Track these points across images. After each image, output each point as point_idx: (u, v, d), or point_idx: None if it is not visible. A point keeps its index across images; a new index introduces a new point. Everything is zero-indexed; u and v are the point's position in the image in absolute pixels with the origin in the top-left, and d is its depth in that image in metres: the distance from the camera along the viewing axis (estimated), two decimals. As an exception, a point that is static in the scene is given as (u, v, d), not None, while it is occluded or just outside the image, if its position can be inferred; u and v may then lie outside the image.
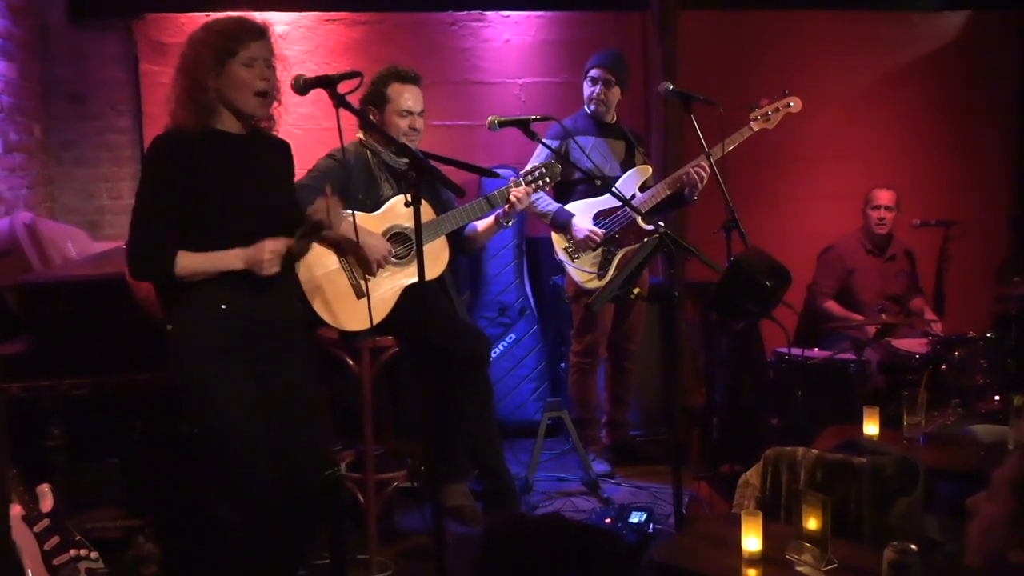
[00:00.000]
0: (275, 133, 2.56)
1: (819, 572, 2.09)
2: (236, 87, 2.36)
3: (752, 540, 2.17)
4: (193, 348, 2.41)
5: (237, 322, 2.42)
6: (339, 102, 2.31)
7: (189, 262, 2.33)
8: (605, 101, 4.00)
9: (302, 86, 2.39)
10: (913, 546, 1.91)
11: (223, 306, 2.40)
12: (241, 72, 2.35)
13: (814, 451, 2.53)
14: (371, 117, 3.26)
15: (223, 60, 2.33)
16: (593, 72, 4.00)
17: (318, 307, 3.04)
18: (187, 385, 2.44)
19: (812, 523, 2.16)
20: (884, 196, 4.55)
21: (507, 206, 3.29)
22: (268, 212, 2.45)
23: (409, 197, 2.38)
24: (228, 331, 2.41)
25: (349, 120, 2.55)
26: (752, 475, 2.66)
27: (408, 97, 3.27)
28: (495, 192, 3.32)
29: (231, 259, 2.36)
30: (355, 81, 2.34)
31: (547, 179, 3.40)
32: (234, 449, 2.42)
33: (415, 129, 3.29)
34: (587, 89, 4.03)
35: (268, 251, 2.37)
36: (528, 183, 3.36)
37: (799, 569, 2.12)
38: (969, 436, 3.08)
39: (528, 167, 3.46)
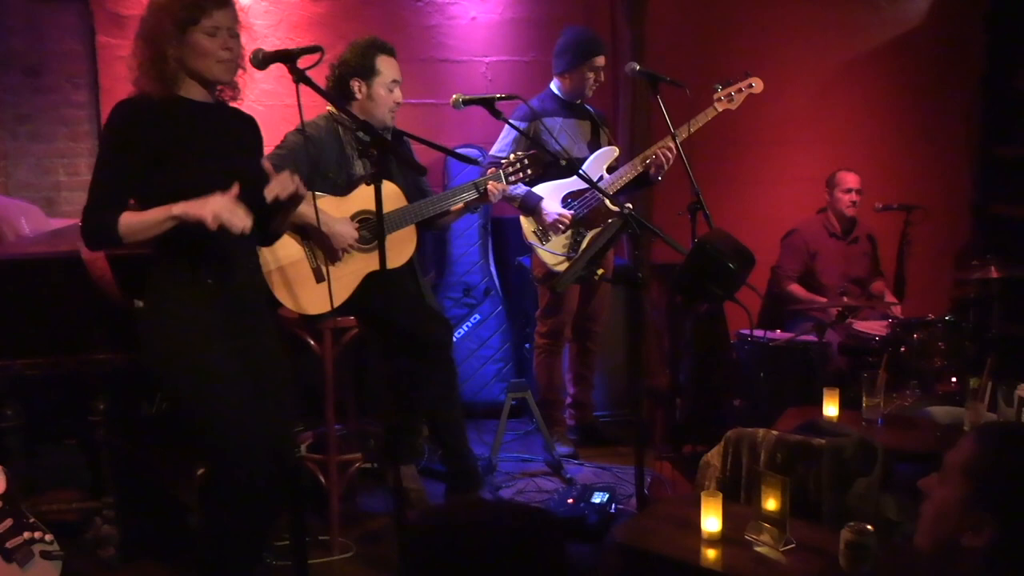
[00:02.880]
0: (238, 105, 2.50)
1: (777, 552, 2.11)
2: (199, 56, 2.30)
3: (711, 520, 2.19)
4: (179, 324, 2.35)
5: (221, 297, 2.37)
6: (299, 77, 2.26)
7: (130, 219, 2.24)
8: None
9: (261, 60, 2.34)
10: (870, 526, 1.94)
11: (209, 280, 2.35)
12: (203, 41, 2.29)
13: (774, 432, 2.55)
14: (356, 89, 3.23)
15: (184, 28, 2.27)
16: (598, 61, 3.92)
17: (278, 291, 3.01)
18: (171, 362, 2.38)
19: (771, 503, 2.18)
20: (852, 179, 4.58)
21: (481, 195, 3.28)
22: (231, 182, 2.34)
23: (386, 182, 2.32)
24: (213, 306, 2.36)
25: (309, 96, 2.50)
26: (713, 456, 2.68)
27: (395, 71, 3.26)
28: (478, 180, 3.30)
29: (171, 209, 2.22)
30: (315, 56, 2.29)
31: (529, 171, 3.36)
32: (222, 425, 2.37)
33: (399, 104, 3.28)
34: (586, 77, 3.92)
35: (215, 202, 2.22)
36: (508, 173, 3.33)
37: (758, 549, 2.14)
38: (926, 418, 3.13)
39: (511, 156, 3.39)
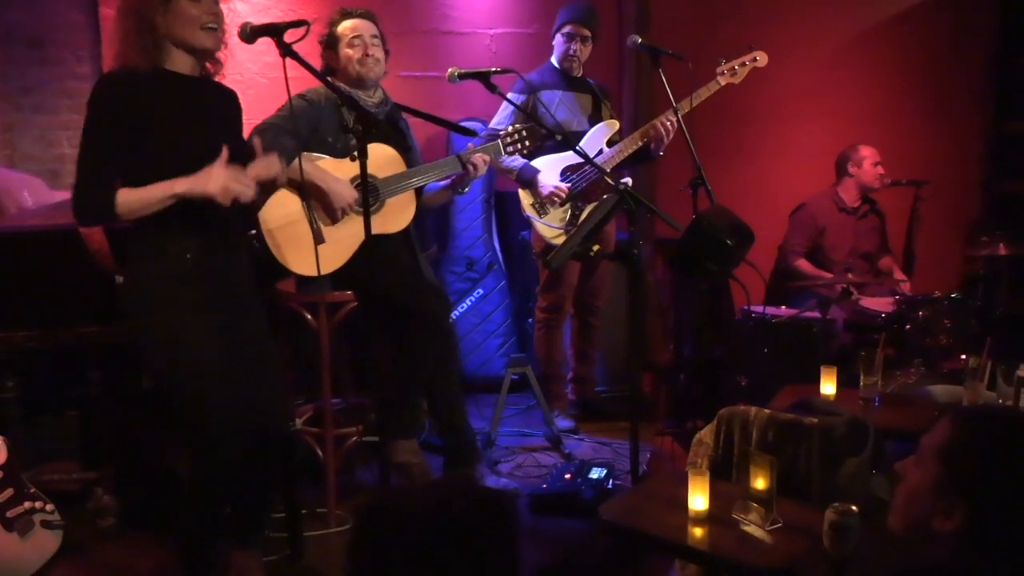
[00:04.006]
0: (221, 79, 2.49)
1: (764, 531, 2.10)
2: (184, 22, 2.29)
3: (699, 499, 2.18)
4: (157, 300, 2.36)
5: (201, 273, 2.37)
6: (285, 51, 2.25)
7: (128, 197, 2.24)
8: (579, 57, 3.93)
9: (249, 34, 2.32)
10: (854, 507, 1.92)
11: (188, 255, 2.35)
12: (189, 7, 2.29)
13: (766, 411, 2.53)
14: (330, 60, 3.28)
15: None
16: (568, 28, 3.91)
17: (273, 248, 2.99)
18: (151, 337, 2.39)
19: (759, 483, 2.17)
20: (874, 151, 4.52)
21: (464, 169, 3.24)
22: (214, 154, 2.33)
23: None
24: (193, 283, 2.36)
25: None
26: (706, 434, 2.67)
27: (355, 27, 3.25)
28: (463, 153, 3.26)
29: (174, 186, 2.24)
30: (301, 30, 2.27)
31: (527, 142, 3.32)
32: (201, 401, 2.39)
33: (369, 55, 3.24)
34: (561, 45, 3.95)
35: (218, 174, 2.24)
36: (507, 144, 3.30)
37: (744, 528, 2.13)
38: (926, 396, 3.10)
39: (508, 128, 3.35)
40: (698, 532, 2.14)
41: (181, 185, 2.24)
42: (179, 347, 2.35)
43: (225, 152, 2.27)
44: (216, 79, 2.48)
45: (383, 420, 3.20)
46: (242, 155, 2.43)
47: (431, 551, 1.09)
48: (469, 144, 3.32)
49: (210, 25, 2.31)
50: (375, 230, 3.05)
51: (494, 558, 1.12)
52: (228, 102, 2.54)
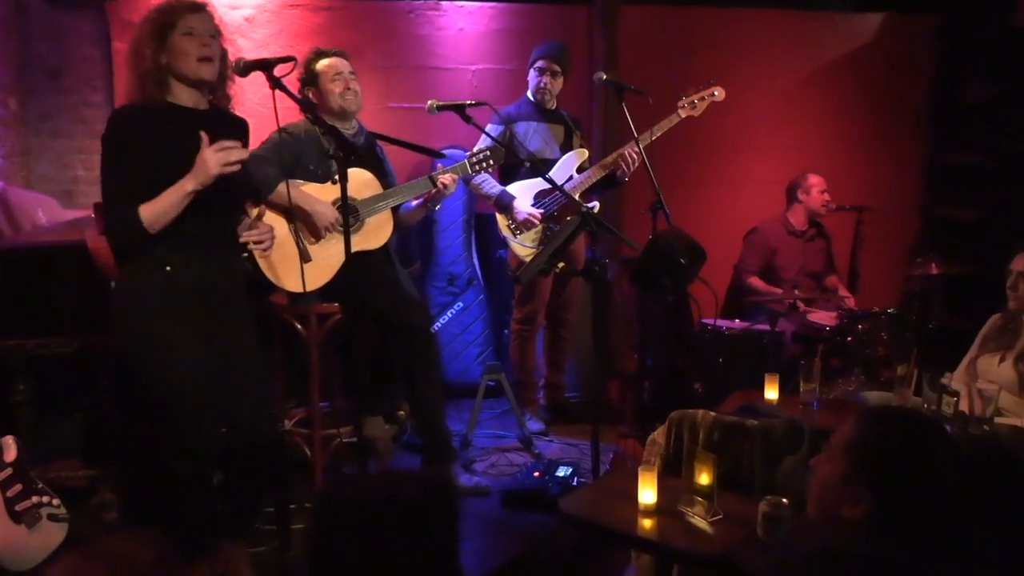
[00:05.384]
0: (240, 106, 2.55)
1: (706, 522, 2.14)
2: (179, 56, 2.35)
3: (648, 493, 2.22)
4: (138, 308, 2.40)
5: (182, 285, 2.40)
6: (275, 84, 2.30)
7: (149, 208, 2.28)
8: (550, 90, 4.00)
9: (242, 68, 2.37)
10: (785, 500, 1.97)
11: (167, 268, 2.38)
12: (182, 42, 2.34)
13: (712, 413, 2.58)
14: (312, 97, 3.31)
15: (164, 34, 2.33)
16: (540, 63, 3.98)
17: (265, 267, 3.04)
18: (132, 343, 2.44)
19: (703, 478, 2.20)
20: (821, 180, 4.59)
21: (434, 189, 3.30)
22: (221, 181, 2.37)
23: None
24: (174, 293, 2.39)
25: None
26: (659, 434, 2.71)
27: (334, 65, 3.30)
28: (434, 174, 3.32)
29: (184, 185, 2.28)
30: (289, 65, 2.33)
31: (491, 161, 3.42)
32: (172, 402, 2.42)
33: (350, 89, 3.29)
34: (533, 79, 4.02)
35: (209, 156, 2.26)
36: (473, 164, 3.38)
37: (689, 519, 2.17)
38: (860, 402, 3.15)
39: (474, 149, 3.46)
40: (647, 523, 2.18)
41: (189, 182, 2.28)
42: (152, 352, 2.39)
43: (205, 137, 2.28)
44: (225, 109, 2.52)
45: (358, 402, 3.24)
46: (244, 183, 2.49)
47: (379, 532, 1.13)
48: (439, 165, 3.40)
49: (205, 56, 2.35)
50: (358, 247, 3.14)
51: (437, 538, 1.16)
52: (236, 131, 2.55)
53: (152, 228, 2.29)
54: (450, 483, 1.24)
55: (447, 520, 1.19)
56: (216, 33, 2.39)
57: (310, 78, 3.32)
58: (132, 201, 2.28)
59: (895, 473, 1.37)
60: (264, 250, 2.56)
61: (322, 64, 3.30)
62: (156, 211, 2.28)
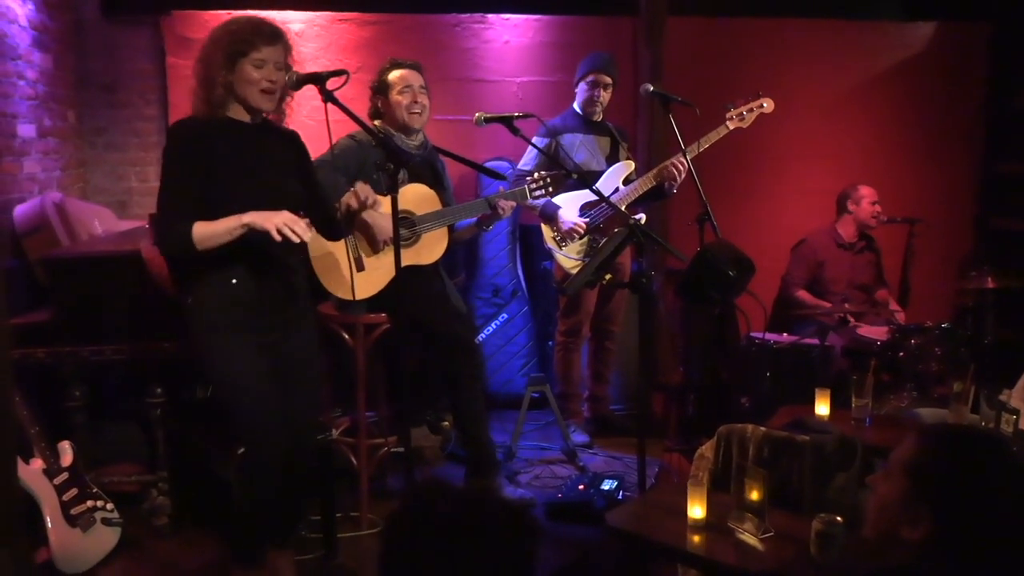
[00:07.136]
0: (294, 120, 2.60)
1: (756, 539, 2.12)
2: (244, 83, 2.40)
3: (697, 508, 2.20)
4: (206, 320, 2.45)
5: (246, 296, 2.45)
6: (327, 97, 2.33)
7: (203, 229, 2.32)
8: (602, 102, 3.98)
9: (295, 82, 2.41)
10: (839, 518, 1.93)
11: (233, 280, 2.43)
12: (251, 71, 2.38)
13: (762, 428, 2.54)
14: (380, 107, 3.35)
15: (235, 60, 2.37)
16: (591, 77, 3.95)
17: (319, 272, 3.08)
18: (201, 353, 2.49)
19: (753, 494, 2.18)
20: (872, 191, 4.52)
21: (490, 212, 3.32)
22: (275, 193, 2.44)
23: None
24: (238, 305, 2.44)
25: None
26: (707, 449, 2.68)
27: (404, 77, 3.32)
28: (492, 196, 3.34)
29: (241, 218, 2.31)
30: (342, 79, 2.35)
31: (551, 188, 3.40)
32: (243, 412, 2.47)
33: (417, 102, 3.32)
34: (585, 92, 3.98)
35: (280, 215, 2.30)
36: (533, 189, 3.36)
37: (739, 536, 2.15)
38: (913, 418, 3.08)
39: (535, 174, 3.40)
40: (696, 539, 2.16)
41: (248, 217, 2.31)
42: (218, 361, 2.45)
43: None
44: (275, 123, 2.57)
45: (404, 414, 3.25)
46: (301, 192, 2.53)
47: (458, 555, 1.12)
48: (500, 188, 3.40)
49: (267, 88, 2.40)
50: (411, 261, 3.16)
51: (514, 567, 1.14)
52: (288, 143, 2.61)
53: (200, 247, 2.33)
54: (535, 522, 1.22)
55: (527, 550, 1.17)
56: (284, 67, 2.42)
57: (381, 87, 3.35)
58: (187, 215, 2.33)
59: (958, 494, 1.34)
60: (371, 205, 2.63)
61: (394, 75, 3.33)
62: (208, 233, 2.32)
